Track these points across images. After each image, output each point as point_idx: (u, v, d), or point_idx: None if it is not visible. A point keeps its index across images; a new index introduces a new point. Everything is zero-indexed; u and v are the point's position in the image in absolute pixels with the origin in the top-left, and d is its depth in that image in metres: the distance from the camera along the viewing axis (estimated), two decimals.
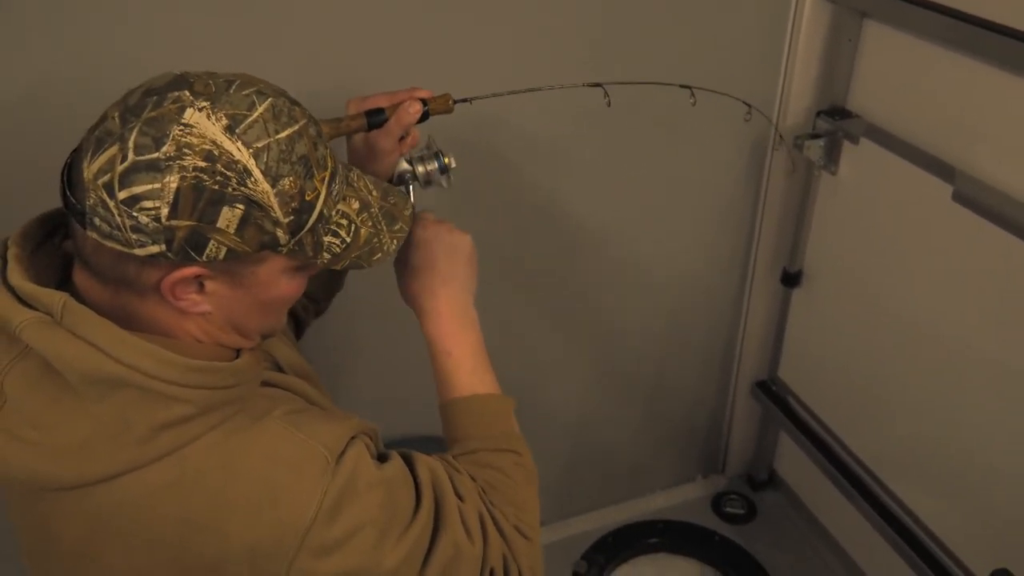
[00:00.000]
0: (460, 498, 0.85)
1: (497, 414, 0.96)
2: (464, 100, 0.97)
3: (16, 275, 0.73)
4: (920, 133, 1.35)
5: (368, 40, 1.24)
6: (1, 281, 0.73)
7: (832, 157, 1.53)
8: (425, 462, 0.86)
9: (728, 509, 2.05)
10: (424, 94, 0.96)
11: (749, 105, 1.23)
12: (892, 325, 1.53)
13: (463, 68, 1.24)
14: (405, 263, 0.97)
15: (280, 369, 0.92)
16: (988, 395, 1.36)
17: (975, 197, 1.25)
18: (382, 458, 0.83)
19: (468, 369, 0.95)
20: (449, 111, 0.96)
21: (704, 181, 1.62)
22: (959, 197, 1.27)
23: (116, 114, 0.70)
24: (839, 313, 1.67)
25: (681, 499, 2.08)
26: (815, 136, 1.51)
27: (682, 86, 1.15)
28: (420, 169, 0.98)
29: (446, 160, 0.98)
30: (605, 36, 1.37)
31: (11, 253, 0.75)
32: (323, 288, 1.15)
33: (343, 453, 0.77)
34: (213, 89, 0.71)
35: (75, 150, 0.72)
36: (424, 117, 0.95)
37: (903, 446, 1.60)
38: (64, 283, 0.78)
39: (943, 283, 1.39)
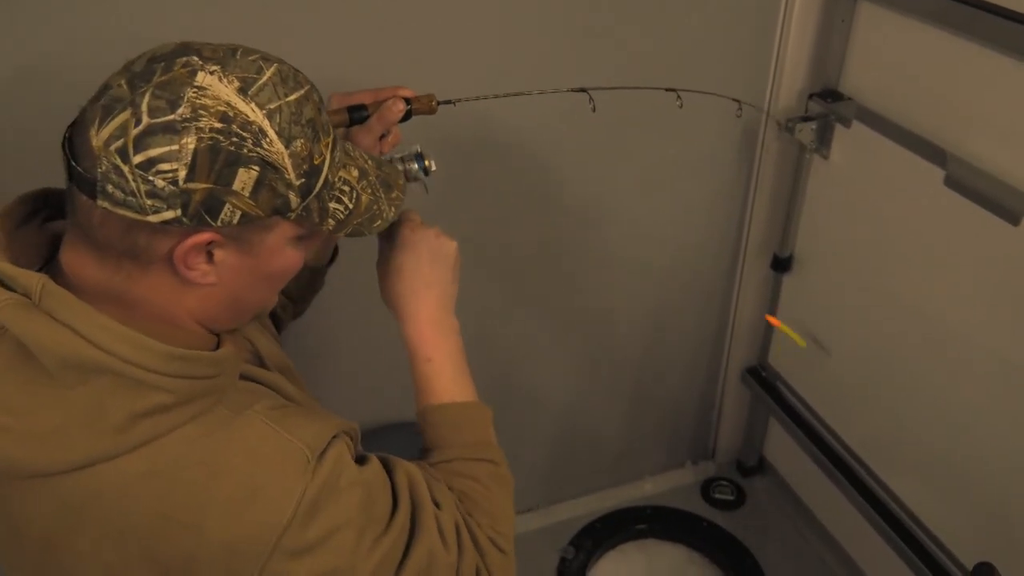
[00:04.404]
0: (437, 506, 0.85)
1: (475, 422, 0.95)
2: (448, 102, 0.98)
3: None
4: (912, 116, 1.33)
5: (355, 37, 1.22)
6: None
7: (824, 141, 1.51)
8: (404, 467, 0.85)
9: (717, 495, 2.04)
10: (408, 93, 0.96)
11: (739, 101, 1.22)
12: (882, 312, 1.51)
13: (448, 68, 1.23)
14: (388, 263, 0.96)
15: (261, 361, 0.91)
16: (979, 383, 1.35)
17: (967, 182, 1.23)
18: (361, 460, 0.83)
19: (448, 376, 0.95)
20: (432, 112, 0.97)
21: (694, 165, 1.59)
22: (951, 182, 1.25)
23: (122, 81, 0.69)
24: (829, 299, 1.65)
25: (670, 485, 2.07)
26: (807, 119, 1.49)
27: (668, 89, 1.16)
28: (400, 168, 0.97)
29: (427, 163, 0.98)
30: (592, 15, 1.34)
31: None
32: (303, 288, 1.13)
33: (324, 452, 0.76)
34: (220, 54, 0.71)
35: (73, 123, 0.71)
36: (407, 116, 0.96)
37: (892, 434, 1.59)
38: (47, 265, 0.77)
39: (934, 270, 1.37)
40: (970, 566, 1.24)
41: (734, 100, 1.22)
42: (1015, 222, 1.17)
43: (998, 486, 1.37)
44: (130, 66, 0.71)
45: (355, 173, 0.81)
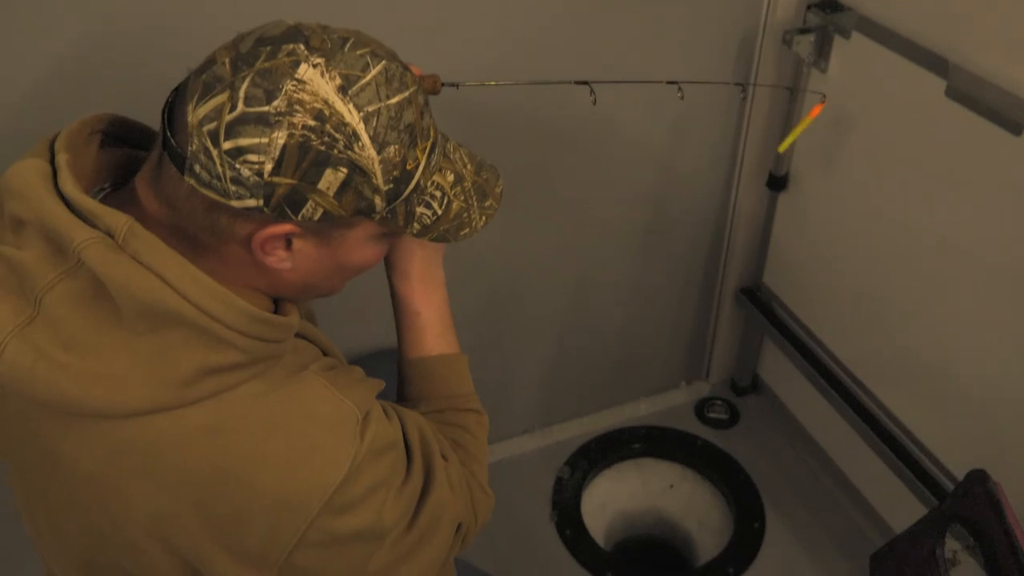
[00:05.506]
0: (445, 458, 0.88)
1: (461, 374, 0.99)
2: (452, 84, 0.96)
3: (70, 185, 0.69)
4: (914, 25, 1.29)
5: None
6: (53, 190, 0.69)
7: (822, 53, 1.47)
8: (413, 419, 0.87)
9: (711, 415, 2.05)
10: (414, 71, 0.94)
11: (742, 85, 1.29)
12: (880, 228, 1.50)
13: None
14: None
15: None
16: (977, 298, 1.35)
17: (969, 92, 1.20)
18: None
19: (436, 331, 0.96)
20: (436, 92, 0.95)
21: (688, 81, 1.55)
22: (952, 92, 1.22)
23: (227, 59, 0.68)
24: (826, 217, 1.63)
25: (664, 406, 2.08)
26: (805, 31, 1.45)
27: (669, 82, 1.16)
28: None
29: None
30: None
31: (62, 159, 0.71)
32: None
33: (368, 414, 0.78)
34: (328, 45, 0.69)
35: (176, 89, 0.70)
36: None
37: (887, 351, 1.59)
38: (112, 189, 0.77)
39: (935, 184, 1.35)
40: (961, 479, 1.25)
41: (737, 84, 1.27)
42: (1017, 132, 1.15)
43: (990, 400, 1.38)
44: (238, 43, 0.69)
45: (450, 178, 0.79)
